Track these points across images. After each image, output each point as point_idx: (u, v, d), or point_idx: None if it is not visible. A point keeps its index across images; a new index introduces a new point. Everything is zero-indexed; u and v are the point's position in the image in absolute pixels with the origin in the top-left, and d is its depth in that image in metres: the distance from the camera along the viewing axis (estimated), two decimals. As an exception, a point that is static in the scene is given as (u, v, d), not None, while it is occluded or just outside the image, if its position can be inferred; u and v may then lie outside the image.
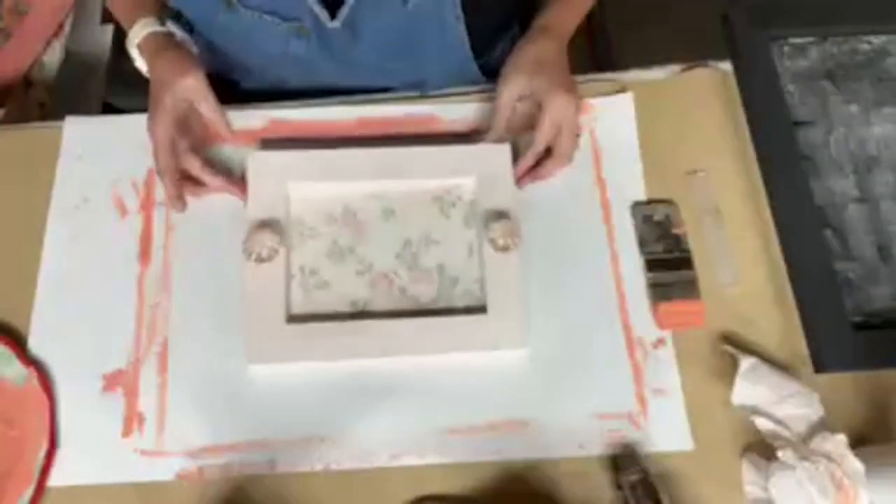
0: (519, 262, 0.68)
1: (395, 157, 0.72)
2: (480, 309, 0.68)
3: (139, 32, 0.72)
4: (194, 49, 0.74)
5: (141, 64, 0.73)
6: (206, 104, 0.71)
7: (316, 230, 0.71)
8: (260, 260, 0.67)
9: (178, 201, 0.71)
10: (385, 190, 0.72)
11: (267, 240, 0.67)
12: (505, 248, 0.68)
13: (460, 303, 0.69)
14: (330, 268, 0.70)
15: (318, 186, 0.71)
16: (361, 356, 0.66)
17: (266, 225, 0.68)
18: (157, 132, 0.69)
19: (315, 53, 0.76)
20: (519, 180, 0.72)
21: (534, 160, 0.72)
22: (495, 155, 0.72)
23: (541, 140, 0.71)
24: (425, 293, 0.69)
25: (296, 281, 0.69)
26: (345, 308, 0.68)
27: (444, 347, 0.66)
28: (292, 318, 0.67)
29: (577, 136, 0.72)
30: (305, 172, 0.71)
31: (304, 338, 0.66)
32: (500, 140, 0.73)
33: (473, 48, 0.79)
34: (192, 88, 0.69)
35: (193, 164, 0.71)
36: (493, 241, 0.68)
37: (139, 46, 0.72)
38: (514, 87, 0.71)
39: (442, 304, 0.69)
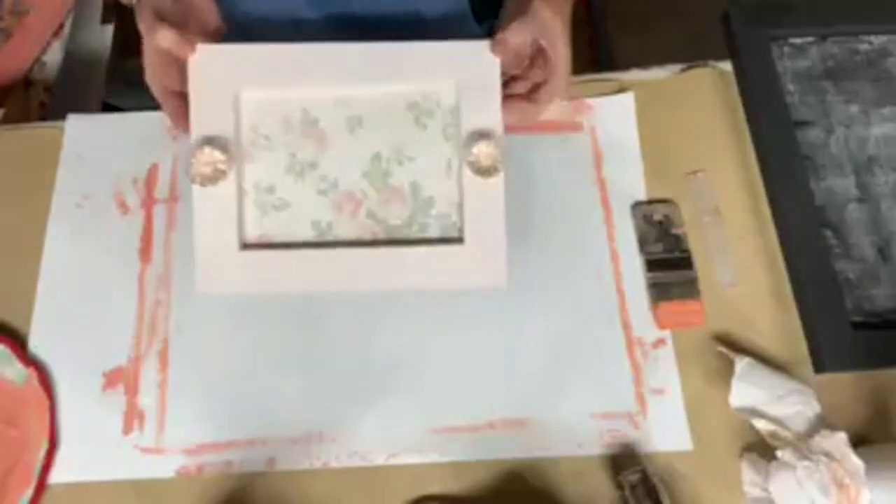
0: (502, 188, 0.63)
1: (363, 55, 0.63)
2: (457, 239, 0.63)
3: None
4: None
5: None
6: (159, 35, 0.60)
7: (271, 140, 0.63)
8: (205, 181, 0.61)
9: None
10: (351, 95, 0.64)
11: (211, 158, 0.60)
12: (488, 172, 0.62)
13: (435, 228, 0.64)
14: (289, 185, 0.63)
15: (273, 89, 0.63)
16: (323, 286, 0.62)
17: (210, 141, 0.61)
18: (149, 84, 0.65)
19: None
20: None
21: (525, 88, 0.65)
22: (479, 54, 0.63)
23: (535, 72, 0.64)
24: (396, 215, 0.64)
25: (249, 199, 0.63)
26: (306, 231, 0.63)
27: (416, 281, 0.62)
28: (247, 245, 0.62)
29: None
30: (257, 71, 0.62)
31: (259, 266, 0.61)
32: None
33: None
34: (142, 29, 0.62)
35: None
36: (474, 164, 0.62)
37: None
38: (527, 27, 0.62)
39: (414, 229, 0.64)
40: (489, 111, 0.63)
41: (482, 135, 0.62)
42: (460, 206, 0.64)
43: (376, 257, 0.62)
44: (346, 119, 0.64)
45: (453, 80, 0.64)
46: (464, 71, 0.63)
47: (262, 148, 0.64)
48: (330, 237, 0.63)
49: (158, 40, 0.60)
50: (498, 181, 0.63)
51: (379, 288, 0.63)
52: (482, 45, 0.63)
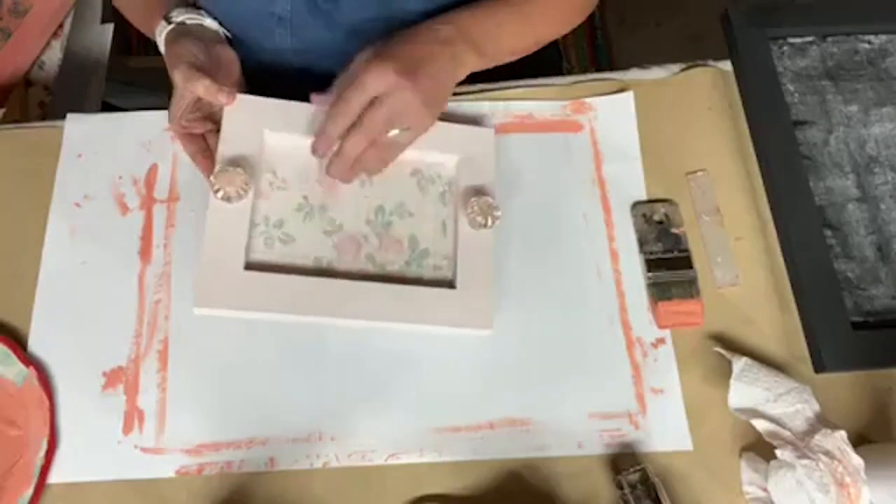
0: (493, 241, 0.69)
1: None
2: (448, 284, 0.68)
3: (160, 43, 0.71)
4: (210, 24, 0.72)
5: None
6: (197, 84, 0.66)
7: (287, 183, 0.69)
8: (227, 199, 0.65)
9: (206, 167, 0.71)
10: None
11: (237, 178, 0.65)
12: (483, 226, 0.68)
13: (429, 274, 0.68)
14: (297, 223, 0.68)
15: (295, 139, 0.69)
16: (318, 314, 0.65)
17: (236, 163, 0.66)
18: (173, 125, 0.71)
19: (298, 13, 0.75)
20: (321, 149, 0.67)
21: (334, 130, 0.65)
22: (480, 136, 0.73)
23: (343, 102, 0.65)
24: (393, 261, 0.68)
25: (258, 230, 0.67)
26: (307, 263, 0.67)
27: (408, 317, 0.65)
28: (250, 266, 0.65)
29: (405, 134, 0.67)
30: (284, 122, 0.69)
31: (260, 287, 0.63)
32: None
33: None
34: (178, 79, 0.67)
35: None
36: (471, 218, 0.68)
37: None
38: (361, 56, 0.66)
39: (410, 275, 0.68)
40: (484, 175, 0.71)
41: (478, 191, 0.70)
42: (453, 260, 0.69)
43: (372, 291, 0.65)
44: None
45: (455, 156, 0.71)
46: (465, 149, 0.72)
47: (278, 188, 0.69)
48: (330, 271, 0.67)
49: (195, 88, 0.66)
50: (489, 234, 0.69)
51: (372, 321, 0.65)
52: (486, 131, 0.73)
